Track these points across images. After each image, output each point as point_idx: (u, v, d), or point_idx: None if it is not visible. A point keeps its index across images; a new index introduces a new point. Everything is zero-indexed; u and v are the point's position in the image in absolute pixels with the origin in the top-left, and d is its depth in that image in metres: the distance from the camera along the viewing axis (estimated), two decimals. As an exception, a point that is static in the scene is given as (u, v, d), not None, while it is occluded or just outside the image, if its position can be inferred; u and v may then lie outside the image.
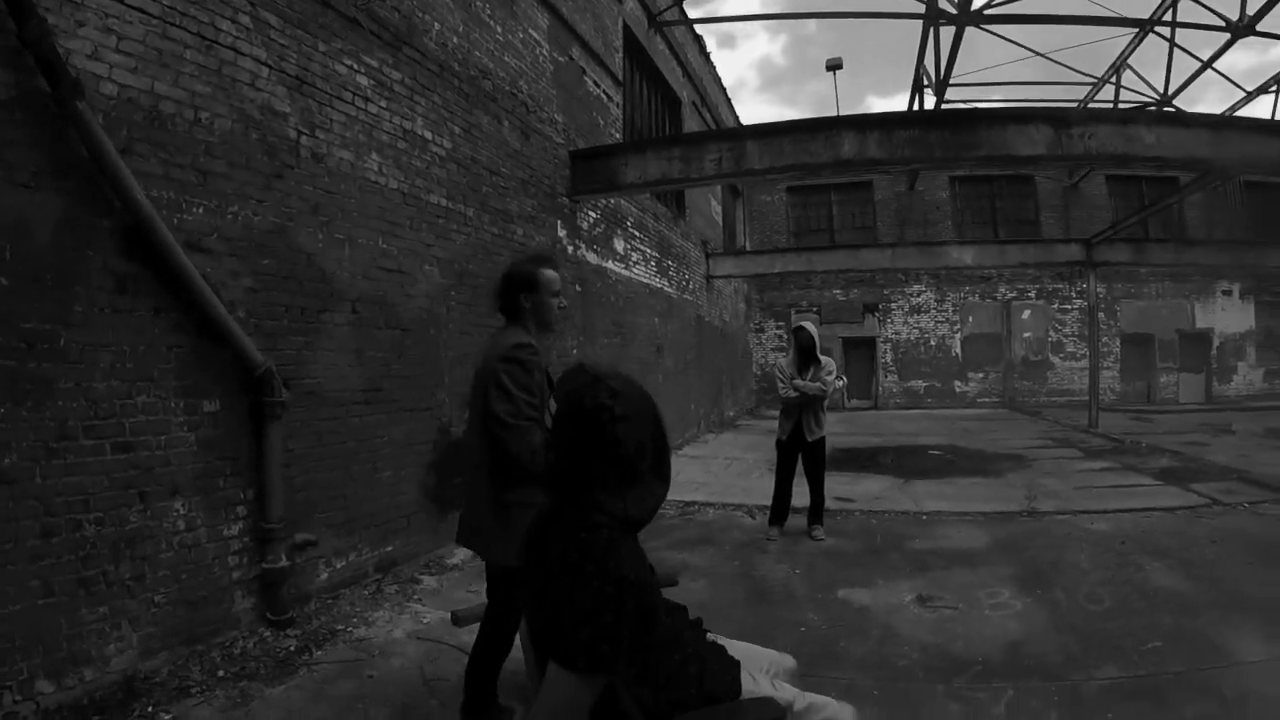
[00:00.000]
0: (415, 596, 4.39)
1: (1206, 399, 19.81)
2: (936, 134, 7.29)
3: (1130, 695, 3.09)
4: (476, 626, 3.74)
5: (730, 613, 3.99)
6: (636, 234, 10.20)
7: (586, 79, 8.44)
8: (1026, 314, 20.31)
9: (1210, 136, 7.27)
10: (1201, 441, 11.53)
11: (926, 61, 12.82)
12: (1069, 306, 20.16)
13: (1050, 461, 9.88)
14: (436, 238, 5.27)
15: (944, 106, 12.98)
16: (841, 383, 5.96)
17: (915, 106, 14.24)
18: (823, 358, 5.77)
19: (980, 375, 20.31)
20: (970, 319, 20.39)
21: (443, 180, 5.35)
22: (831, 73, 16.87)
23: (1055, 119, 7.28)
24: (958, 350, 20.42)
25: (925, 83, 13.36)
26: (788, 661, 1.92)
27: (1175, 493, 7.39)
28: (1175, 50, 12.84)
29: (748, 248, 19.59)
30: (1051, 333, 20.24)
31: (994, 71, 27.09)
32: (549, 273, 2.70)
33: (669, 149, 7.80)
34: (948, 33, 11.80)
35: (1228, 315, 20.23)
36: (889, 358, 20.80)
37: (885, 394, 20.69)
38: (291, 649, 3.47)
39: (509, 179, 6.39)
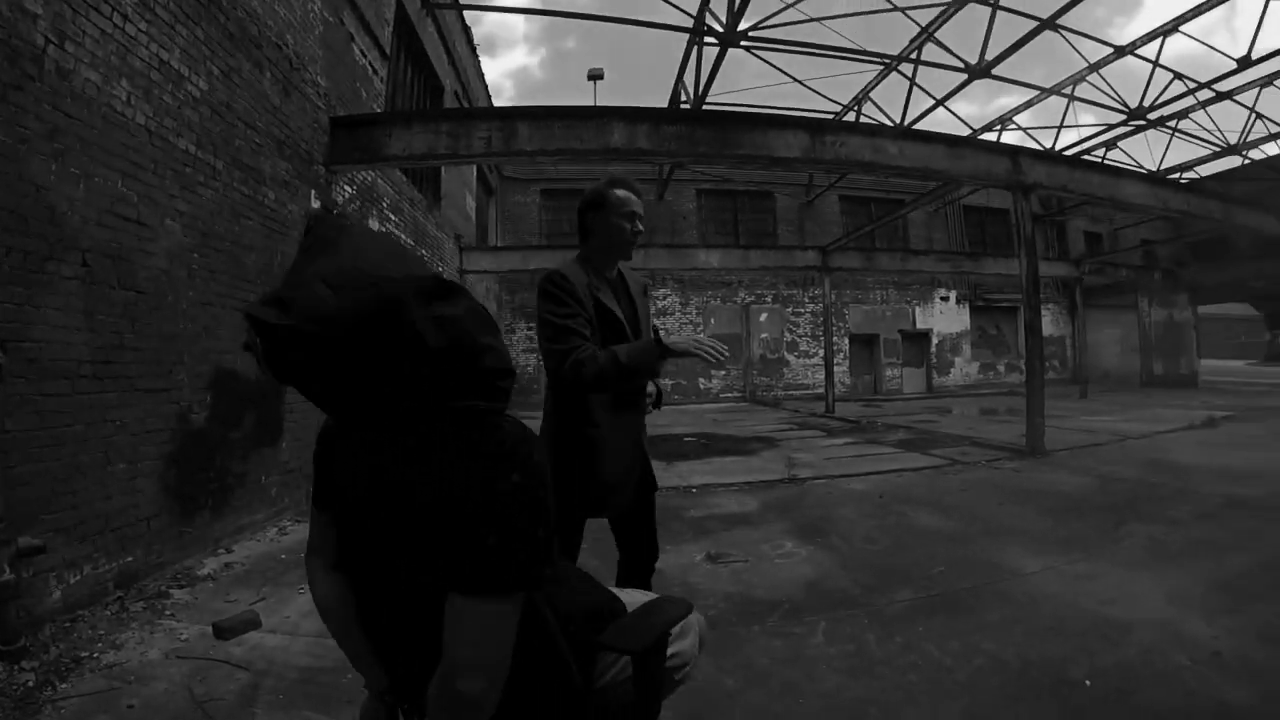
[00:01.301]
0: (167, 612, 3.96)
1: (928, 389, 24.57)
2: (703, 131, 8.24)
3: (933, 610, 3.75)
4: (245, 638, 3.49)
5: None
6: (392, 216, 9.91)
7: (354, 46, 8.13)
8: (764, 316, 23.27)
9: (947, 151, 9.11)
10: (930, 420, 14.24)
11: (687, 77, 13.93)
12: (802, 310, 23.62)
13: (798, 440, 11.57)
14: (181, 189, 4.77)
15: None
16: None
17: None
18: None
19: (722, 372, 22.85)
20: (712, 321, 22.82)
21: (194, 125, 4.87)
22: (592, 82, 17.73)
23: (811, 126, 8.60)
24: (702, 351, 22.52)
25: (683, 98, 14.43)
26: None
27: (917, 457, 9.11)
28: (915, 88, 15.49)
29: (498, 244, 19.80)
30: (787, 333, 23.54)
31: (750, 94, 30.17)
32: (619, 193, 2.67)
33: (437, 123, 7.81)
34: (711, 52, 13.00)
35: (945, 317, 25.31)
36: (636, 358, 22.31)
37: (634, 392, 22.13)
38: (30, 684, 2.99)
39: (265, 136, 5.96)
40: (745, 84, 22.91)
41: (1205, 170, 22.09)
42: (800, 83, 15.27)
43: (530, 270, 17.81)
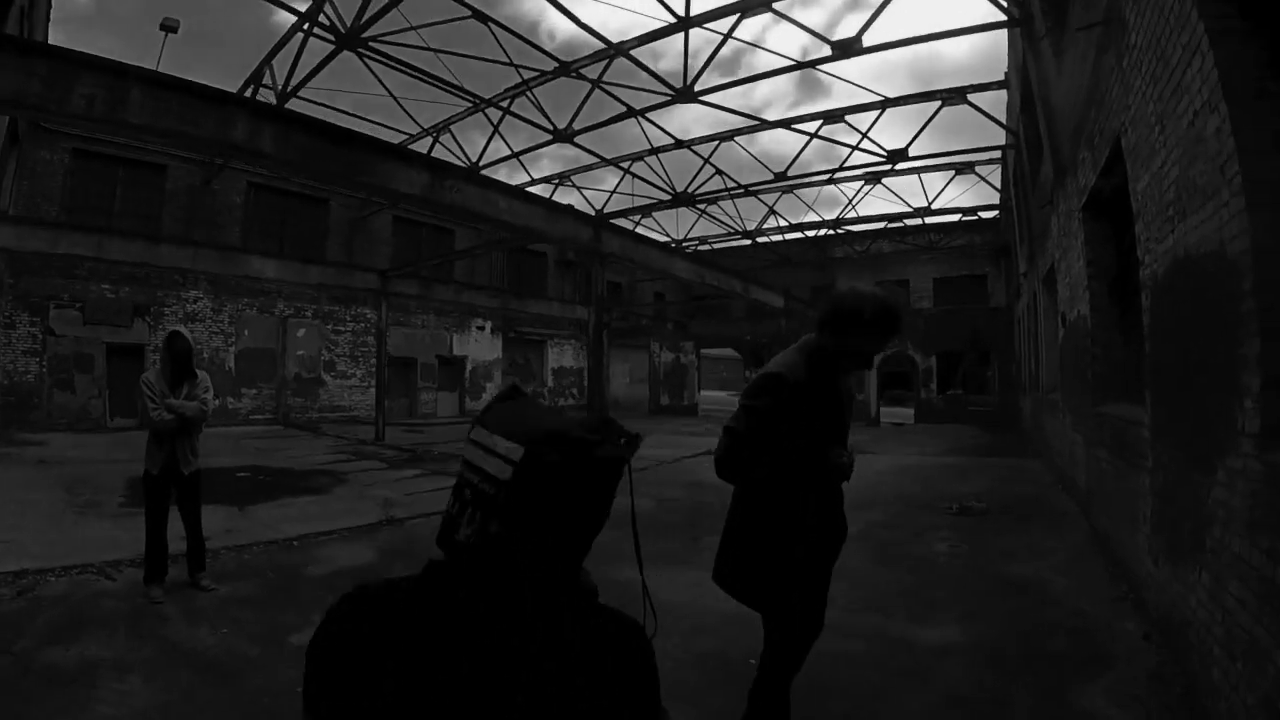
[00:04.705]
0: None
1: (460, 413, 26.10)
2: (335, 150, 7.95)
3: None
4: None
5: (202, 703, 3.59)
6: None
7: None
8: (302, 332, 22.11)
9: (546, 215, 10.65)
10: (480, 445, 15.07)
11: (281, 64, 12.74)
12: (343, 328, 23.17)
13: (364, 474, 11.46)
14: None
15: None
16: (217, 403, 5.66)
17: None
18: (199, 372, 5.38)
19: (254, 391, 20.98)
20: (246, 332, 20.76)
21: None
22: (163, 34, 14.87)
23: (436, 167, 9.10)
24: (231, 364, 20.55)
25: (266, 82, 13.07)
26: None
27: (499, 485, 9.67)
28: (498, 133, 16.79)
29: (10, 212, 15.10)
30: (325, 352, 22.71)
31: (340, 98, 28.05)
32: (880, 327, 2.48)
33: (32, 60, 6.06)
34: (318, 46, 12.06)
35: (480, 345, 27.51)
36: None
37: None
38: None
39: None
40: (329, 86, 21.11)
41: (719, 245, 29.94)
42: (396, 100, 15.40)
43: (60, 254, 13.43)
